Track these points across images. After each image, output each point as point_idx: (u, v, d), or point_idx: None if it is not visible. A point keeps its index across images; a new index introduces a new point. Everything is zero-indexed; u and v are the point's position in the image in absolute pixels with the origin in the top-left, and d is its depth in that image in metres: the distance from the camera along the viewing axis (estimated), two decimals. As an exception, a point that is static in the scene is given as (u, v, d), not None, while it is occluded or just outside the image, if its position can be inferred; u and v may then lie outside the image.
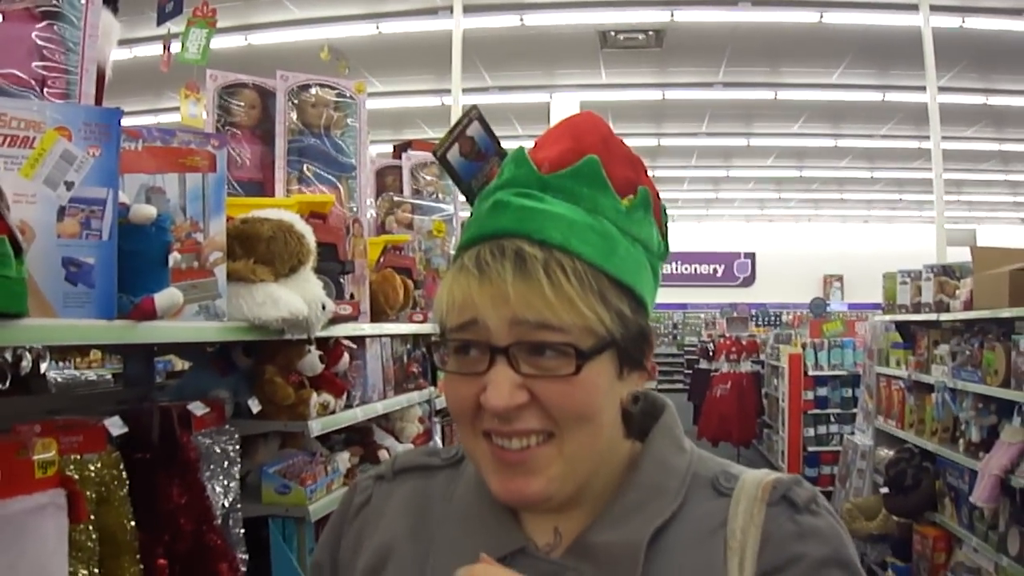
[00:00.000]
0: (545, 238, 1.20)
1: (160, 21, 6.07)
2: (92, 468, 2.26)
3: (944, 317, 7.44)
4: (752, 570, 1.23)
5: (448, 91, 12.96)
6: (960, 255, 7.56)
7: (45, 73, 2.38)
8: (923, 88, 12.22)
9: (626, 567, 1.23)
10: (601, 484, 1.31)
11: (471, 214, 1.32)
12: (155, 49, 9.70)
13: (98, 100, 2.57)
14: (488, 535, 1.32)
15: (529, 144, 1.35)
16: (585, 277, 1.19)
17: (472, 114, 3.95)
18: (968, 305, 6.91)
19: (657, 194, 1.33)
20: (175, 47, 7.12)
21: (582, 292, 1.18)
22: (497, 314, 1.18)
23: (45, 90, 2.36)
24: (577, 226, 1.22)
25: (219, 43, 8.04)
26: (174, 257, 2.51)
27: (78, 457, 2.23)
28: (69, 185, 2.08)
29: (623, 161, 1.30)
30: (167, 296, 2.33)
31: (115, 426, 2.40)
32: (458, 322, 1.22)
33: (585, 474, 1.26)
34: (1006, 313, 6.09)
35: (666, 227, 1.36)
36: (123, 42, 2.82)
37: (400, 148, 6.47)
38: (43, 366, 4.03)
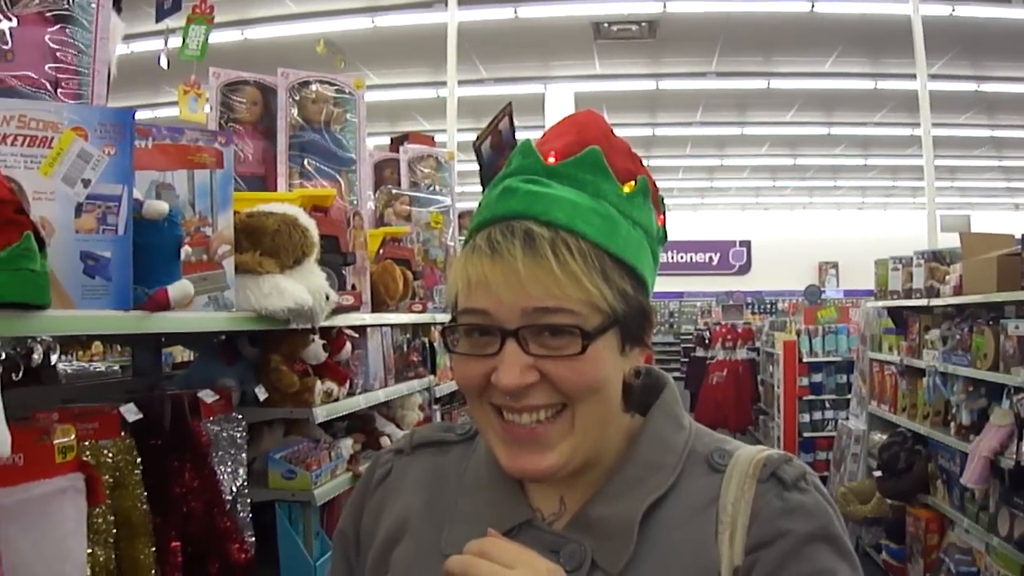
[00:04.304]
0: (552, 219, 1.27)
1: (159, 18, 6.10)
2: (108, 453, 2.34)
3: (935, 302, 7.52)
4: (742, 544, 1.29)
5: (443, 83, 12.97)
6: (954, 240, 7.63)
7: (58, 74, 2.45)
8: (915, 76, 12.27)
9: (621, 540, 1.30)
10: (603, 457, 1.38)
11: (480, 201, 1.39)
12: (152, 44, 9.74)
13: (106, 98, 2.66)
14: (497, 507, 1.40)
15: (526, 135, 1.43)
16: (589, 255, 1.26)
17: (507, 110, 4.04)
18: (958, 290, 6.99)
19: (656, 185, 1.41)
20: (174, 43, 7.17)
21: (586, 269, 1.25)
22: (509, 291, 1.25)
23: (58, 91, 2.43)
24: (581, 208, 1.29)
25: (216, 38, 8.06)
26: (184, 251, 2.59)
27: (94, 443, 2.31)
28: (86, 183, 2.16)
29: (623, 154, 1.38)
30: (180, 288, 2.41)
31: (130, 412, 2.48)
32: (470, 305, 1.29)
33: (592, 446, 1.33)
34: (995, 298, 6.18)
35: (664, 214, 1.44)
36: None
37: (398, 141, 6.53)
38: (53, 358, 4.10)
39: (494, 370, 1.27)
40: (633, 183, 1.35)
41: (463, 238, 6.97)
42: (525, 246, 1.25)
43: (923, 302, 7.77)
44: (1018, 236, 6.48)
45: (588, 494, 1.37)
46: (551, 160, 1.33)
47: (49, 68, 2.44)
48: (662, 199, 1.44)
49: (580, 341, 1.25)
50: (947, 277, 7.38)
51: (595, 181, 1.32)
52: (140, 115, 2.40)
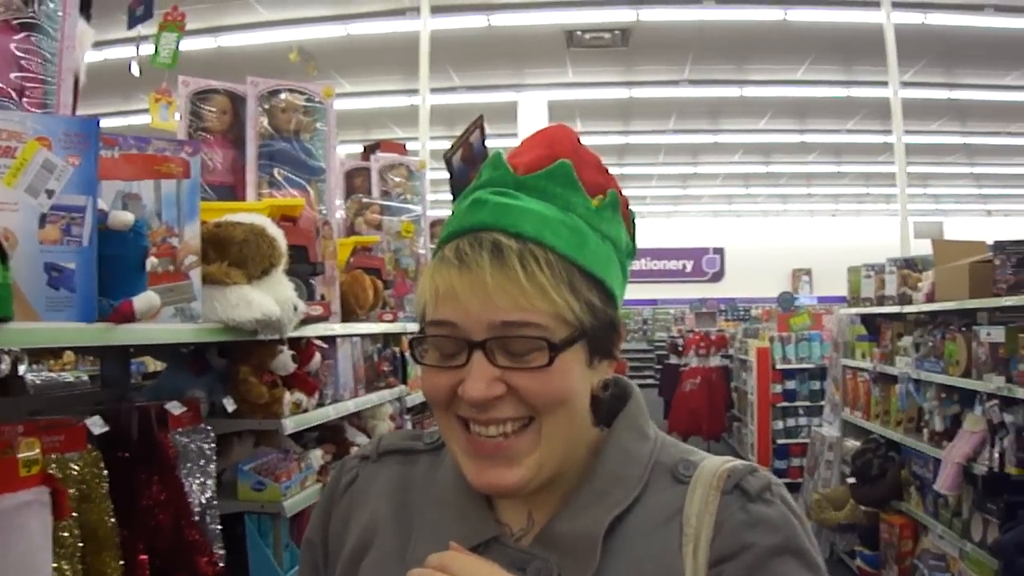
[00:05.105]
0: (520, 231, 1.26)
1: (131, 25, 6.07)
2: (74, 466, 2.31)
3: (907, 309, 7.55)
4: (705, 557, 1.28)
5: (416, 91, 13.02)
6: (928, 248, 7.67)
7: (23, 83, 2.43)
8: (887, 83, 12.33)
9: (586, 555, 1.29)
10: (570, 470, 1.36)
11: (451, 213, 1.38)
12: (124, 51, 9.68)
13: (73, 106, 2.63)
14: (464, 523, 1.38)
15: (499, 143, 1.42)
16: (557, 267, 1.25)
17: (478, 123, 4.04)
18: (930, 297, 7.01)
19: (626, 199, 1.40)
20: (146, 51, 7.15)
21: (554, 281, 1.24)
22: (476, 302, 1.24)
23: (23, 100, 2.41)
24: (550, 221, 1.28)
25: (188, 45, 8.03)
26: (150, 261, 2.57)
27: (60, 456, 2.28)
28: (50, 193, 2.14)
29: (592, 167, 1.37)
30: (145, 299, 2.39)
31: (96, 425, 2.46)
32: (438, 317, 1.28)
33: (559, 460, 1.32)
34: (967, 304, 6.20)
35: (634, 228, 1.43)
36: (93, 44, 2.87)
37: (369, 149, 6.52)
38: (21, 368, 4.06)
39: (461, 382, 1.26)
40: (602, 196, 1.34)
41: (434, 247, 6.97)
42: (493, 257, 1.24)
43: (896, 309, 7.81)
44: (990, 243, 6.50)
45: (555, 508, 1.36)
46: (521, 172, 1.32)
47: (14, 77, 2.42)
48: (632, 213, 1.43)
49: (547, 353, 1.24)
50: (919, 284, 7.42)
51: (564, 194, 1.31)
52: (112, 122, 2.39)
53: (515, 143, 1.41)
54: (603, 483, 1.35)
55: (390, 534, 1.44)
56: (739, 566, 1.26)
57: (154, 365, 5.70)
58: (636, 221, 1.45)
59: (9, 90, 2.40)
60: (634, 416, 1.44)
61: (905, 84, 13.00)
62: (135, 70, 7.35)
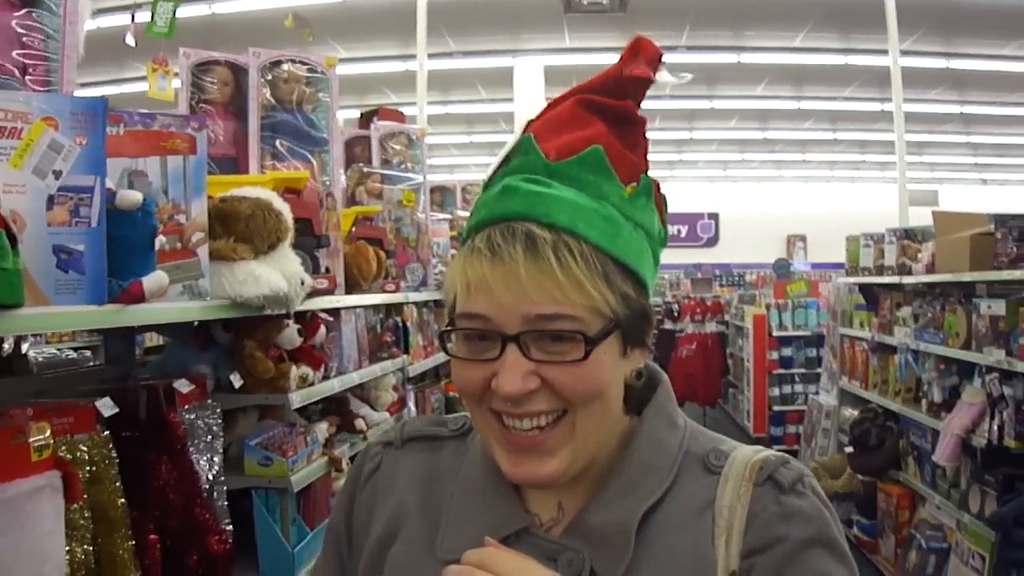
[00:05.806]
0: (553, 221, 1.24)
1: (126, -7, 6.05)
2: (83, 448, 2.30)
3: (907, 280, 7.54)
4: (738, 549, 1.27)
5: (413, 56, 12.93)
6: (922, 215, 7.64)
7: (26, 61, 2.39)
8: (885, 51, 12.27)
9: (619, 546, 1.28)
10: (602, 460, 1.36)
11: (478, 199, 1.36)
12: (119, 19, 9.65)
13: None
14: (494, 513, 1.37)
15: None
16: (591, 259, 1.23)
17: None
18: (930, 268, 7.01)
19: (657, 183, 1.37)
20: (142, 19, 7.10)
21: (589, 273, 1.22)
22: (510, 295, 1.21)
23: (27, 78, 2.38)
24: (583, 210, 1.26)
25: (183, 12, 7.99)
26: (158, 239, 2.55)
27: (70, 437, 2.27)
28: (57, 174, 2.11)
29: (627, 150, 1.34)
30: (155, 279, 2.37)
31: (106, 407, 2.44)
32: (469, 310, 1.26)
33: (593, 451, 1.31)
34: (967, 277, 6.20)
35: (665, 214, 1.41)
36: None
37: (367, 117, 6.50)
38: (24, 347, 4.04)
39: (494, 375, 1.25)
40: (635, 184, 1.32)
41: (436, 214, 6.96)
42: (526, 249, 1.22)
43: (895, 279, 7.80)
44: (988, 214, 6.49)
45: (586, 498, 1.35)
46: (552, 158, 1.29)
47: (16, 54, 2.39)
48: (664, 197, 1.40)
49: (583, 347, 1.23)
50: (919, 255, 7.40)
51: (597, 181, 1.29)
52: (105, 91, 2.35)
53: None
54: (634, 473, 1.34)
55: (417, 524, 1.43)
56: (772, 558, 1.26)
57: (151, 339, 5.66)
58: (667, 209, 1.43)
59: (12, 68, 2.37)
60: (663, 404, 1.43)
61: (903, 52, 12.92)
62: (130, 41, 7.32)
